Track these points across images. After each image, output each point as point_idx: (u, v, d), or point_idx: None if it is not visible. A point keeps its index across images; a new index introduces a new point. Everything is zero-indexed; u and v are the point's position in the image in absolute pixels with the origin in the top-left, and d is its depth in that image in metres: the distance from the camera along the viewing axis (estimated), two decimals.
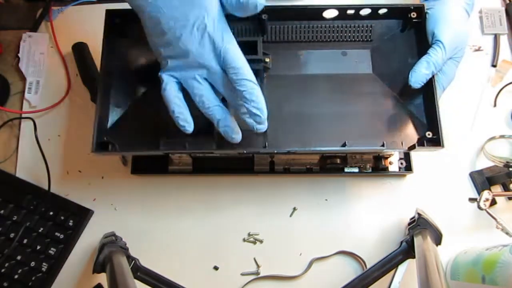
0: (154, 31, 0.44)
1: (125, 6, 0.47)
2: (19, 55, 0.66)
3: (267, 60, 0.49)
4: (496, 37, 0.66)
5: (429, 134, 0.47)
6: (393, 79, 0.52)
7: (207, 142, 0.48)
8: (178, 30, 0.42)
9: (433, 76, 0.49)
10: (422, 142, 0.48)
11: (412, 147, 0.48)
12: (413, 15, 0.52)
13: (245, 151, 0.48)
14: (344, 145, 0.48)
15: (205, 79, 0.44)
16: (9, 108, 0.64)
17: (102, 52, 0.51)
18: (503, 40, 0.66)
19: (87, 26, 0.69)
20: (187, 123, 0.45)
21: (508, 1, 0.68)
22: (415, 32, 0.53)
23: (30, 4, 0.70)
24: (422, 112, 0.51)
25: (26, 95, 0.65)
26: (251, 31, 0.49)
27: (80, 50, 0.65)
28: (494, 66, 0.65)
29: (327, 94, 0.52)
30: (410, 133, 0.50)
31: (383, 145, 0.47)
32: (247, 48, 0.46)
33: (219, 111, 0.44)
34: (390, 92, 0.52)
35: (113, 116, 0.51)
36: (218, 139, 0.48)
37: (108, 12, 0.52)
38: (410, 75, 0.48)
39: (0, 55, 0.67)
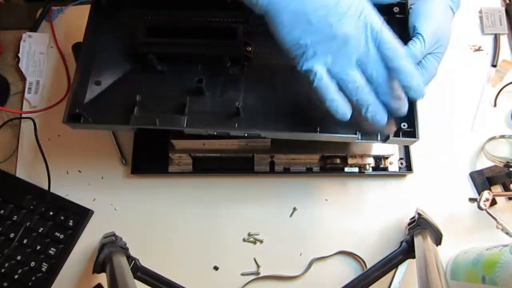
0: (295, 24, 0.42)
1: None
2: (19, 55, 0.66)
3: (249, 48, 0.49)
4: (496, 37, 0.66)
5: (404, 125, 0.47)
6: None
7: (177, 120, 0.48)
8: (331, 17, 0.41)
9: None
10: (397, 133, 0.47)
11: (386, 138, 0.47)
12: (396, 9, 0.51)
13: (215, 132, 0.48)
14: (316, 131, 0.47)
15: (358, 65, 0.43)
16: (9, 108, 0.64)
17: (86, 28, 0.52)
18: (503, 40, 0.66)
19: None
20: (348, 110, 0.43)
21: (508, 1, 0.68)
22: (398, 29, 0.53)
23: (30, 4, 0.70)
24: None
25: (26, 95, 0.65)
26: (233, 19, 0.49)
27: (80, 50, 0.65)
28: (494, 66, 0.65)
29: (307, 85, 0.51)
30: (388, 126, 0.48)
31: (355, 133, 0.47)
32: (228, 35, 0.47)
33: (371, 96, 0.43)
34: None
35: (92, 92, 0.50)
36: (190, 117, 0.48)
37: None
38: None
39: (0, 55, 0.67)
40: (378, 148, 0.57)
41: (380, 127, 0.45)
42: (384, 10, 0.52)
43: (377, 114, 0.44)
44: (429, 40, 0.48)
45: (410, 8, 0.51)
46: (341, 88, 0.43)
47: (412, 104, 0.47)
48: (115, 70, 0.52)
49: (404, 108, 0.44)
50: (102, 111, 0.50)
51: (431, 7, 0.49)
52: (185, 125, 0.48)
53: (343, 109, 0.43)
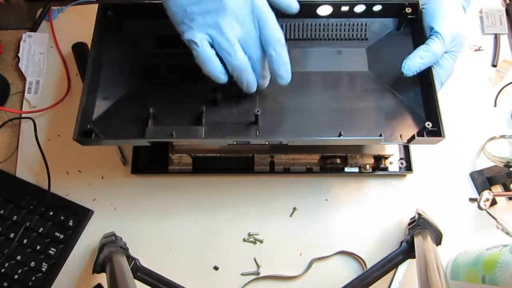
0: None
1: None
2: (19, 55, 0.66)
3: None
4: (496, 37, 0.66)
5: (428, 125, 0.46)
6: (389, 76, 0.52)
7: (195, 131, 0.48)
8: None
9: (430, 68, 0.49)
10: (421, 133, 0.47)
11: (412, 139, 0.47)
12: (408, 10, 0.51)
13: (235, 142, 0.47)
14: (339, 135, 0.47)
15: (237, 39, 0.44)
16: (9, 108, 0.64)
17: (92, 44, 0.51)
18: (504, 40, 0.66)
19: (87, 26, 0.68)
20: (223, 74, 0.45)
21: (508, 1, 0.68)
22: (410, 30, 0.53)
23: (30, 4, 0.70)
24: (421, 106, 0.50)
25: (26, 95, 0.65)
26: None
27: (80, 50, 0.65)
28: (494, 66, 0.65)
29: (323, 91, 0.52)
30: (409, 126, 0.49)
31: (380, 135, 0.46)
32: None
33: (248, 72, 0.45)
34: (387, 89, 0.52)
35: (100, 107, 0.50)
36: (207, 127, 0.48)
37: (102, 5, 0.52)
38: (403, 63, 0.48)
39: (0, 55, 0.67)
40: (378, 148, 0.57)
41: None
42: (394, 11, 0.52)
43: (250, 86, 0.46)
44: (447, 39, 0.48)
45: (423, 8, 0.51)
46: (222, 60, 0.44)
47: (435, 102, 0.47)
48: (123, 83, 0.51)
49: (264, 85, 0.48)
50: (113, 126, 0.49)
51: (444, 6, 0.50)
52: (203, 136, 0.47)
53: (222, 78, 0.45)
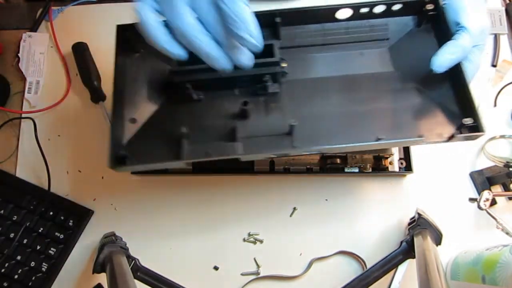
0: None
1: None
2: (19, 55, 0.66)
3: (284, 65, 0.48)
4: (496, 37, 0.66)
5: (466, 121, 0.44)
6: (415, 74, 0.50)
7: (231, 147, 0.46)
8: None
9: (460, 63, 0.47)
10: (460, 130, 0.45)
11: (451, 137, 0.45)
12: (429, 7, 0.50)
13: (273, 155, 0.46)
14: (377, 139, 0.45)
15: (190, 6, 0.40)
16: (9, 108, 0.64)
17: (115, 66, 0.50)
18: (503, 40, 0.66)
19: (87, 26, 0.69)
20: (181, 49, 0.41)
21: (508, 1, 0.68)
22: (431, 26, 0.51)
23: (30, 4, 0.70)
24: (453, 102, 0.48)
25: (26, 95, 0.65)
26: (265, 37, 0.45)
27: (80, 50, 0.65)
28: (494, 66, 0.65)
29: (349, 94, 0.50)
30: (443, 124, 0.47)
31: (420, 136, 0.45)
32: (262, 54, 0.44)
33: (203, 40, 0.40)
34: (415, 87, 0.50)
35: (129, 131, 0.48)
36: (243, 143, 0.46)
37: (119, 27, 0.51)
38: (432, 60, 0.46)
39: (0, 55, 0.67)
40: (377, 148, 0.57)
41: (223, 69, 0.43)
42: (414, 9, 0.51)
43: (212, 59, 0.41)
44: (475, 33, 0.47)
45: (444, 4, 0.50)
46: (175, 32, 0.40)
47: (470, 97, 0.46)
48: (149, 104, 0.49)
49: (242, 59, 0.42)
50: (144, 149, 0.47)
51: (467, 0, 0.48)
52: (241, 152, 0.46)
53: (176, 51, 0.41)
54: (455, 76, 0.48)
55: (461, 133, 0.45)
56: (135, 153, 0.46)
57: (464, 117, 0.45)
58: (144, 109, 0.50)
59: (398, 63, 0.52)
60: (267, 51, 0.47)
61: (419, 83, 0.50)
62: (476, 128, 0.45)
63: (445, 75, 0.47)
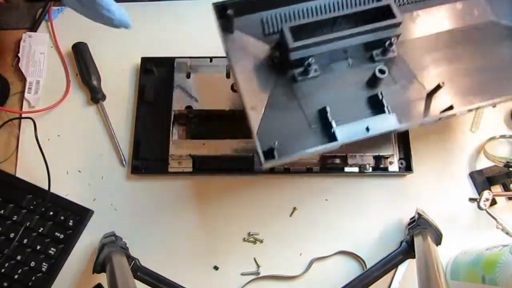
0: None
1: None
2: (19, 55, 0.66)
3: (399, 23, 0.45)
4: None
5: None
6: None
7: (387, 119, 0.43)
8: None
9: None
10: None
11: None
12: None
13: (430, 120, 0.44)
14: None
15: None
16: (9, 108, 0.64)
17: (225, 51, 0.45)
18: None
19: (87, 26, 0.68)
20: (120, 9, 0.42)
21: None
22: None
23: (30, 4, 0.70)
24: None
25: (26, 95, 0.65)
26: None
27: (80, 50, 0.65)
28: None
29: (458, 50, 0.47)
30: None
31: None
32: (379, 15, 0.42)
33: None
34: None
35: (255, 120, 0.44)
36: (393, 112, 0.44)
37: (216, 7, 0.44)
38: None
39: (0, 55, 0.67)
40: (378, 148, 0.57)
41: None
42: None
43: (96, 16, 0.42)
44: None
45: None
46: None
47: None
48: (262, 91, 0.46)
49: (110, 18, 0.43)
50: (282, 135, 0.43)
51: None
52: (399, 123, 0.43)
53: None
54: None
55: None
56: (278, 143, 0.42)
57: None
58: (260, 97, 0.45)
59: (497, 9, 0.48)
60: (380, 12, 0.44)
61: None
62: None
63: None
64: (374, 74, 0.44)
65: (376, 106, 0.44)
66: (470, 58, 0.47)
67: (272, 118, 0.45)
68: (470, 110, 0.44)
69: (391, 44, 0.46)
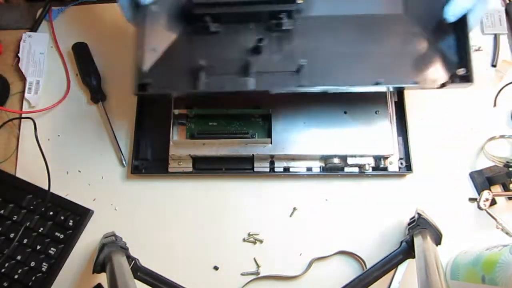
0: None
1: None
2: (19, 55, 0.66)
3: (300, 1, 0.49)
4: (496, 37, 0.66)
5: (460, 71, 0.48)
6: (424, 19, 0.51)
7: (244, 82, 0.49)
8: None
9: (465, 14, 0.48)
10: (453, 79, 0.48)
11: (443, 85, 0.48)
12: None
13: (283, 91, 0.48)
14: (376, 83, 0.48)
15: None
16: (9, 108, 0.64)
17: None
18: (503, 40, 0.66)
19: (87, 26, 0.69)
20: None
21: (508, 1, 0.68)
22: None
23: (30, 4, 0.70)
24: (451, 52, 0.50)
25: (26, 95, 0.65)
26: None
27: (80, 50, 0.65)
28: (494, 66, 0.65)
29: (358, 35, 0.51)
30: (437, 72, 0.49)
31: (416, 83, 0.48)
32: None
33: None
34: (420, 32, 0.51)
35: (150, 60, 0.50)
36: (255, 78, 0.49)
37: None
38: (446, 9, 0.47)
39: (0, 55, 0.67)
40: (378, 148, 0.57)
41: None
42: None
43: None
44: None
45: None
46: None
47: (468, 47, 0.48)
48: (168, 34, 0.51)
49: None
50: (164, 77, 0.50)
51: None
52: (253, 87, 0.48)
53: None
54: (459, 27, 0.49)
55: (452, 82, 0.48)
56: (157, 81, 0.49)
57: (460, 66, 0.48)
58: (164, 39, 0.51)
59: (408, 6, 0.52)
60: None
61: (426, 30, 0.51)
62: (467, 78, 0.48)
63: (449, 25, 0.49)
64: (256, 41, 0.49)
65: (246, 69, 0.49)
66: (364, 44, 0.51)
67: (166, 61, 0.50)
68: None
69: (289, 17, 0.50)
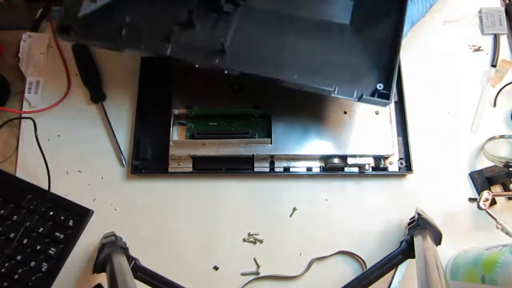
0: None
1: None
2: (19, 55, 0.66)
3: None
4: (496, 37, 0.66)
5: (380, 86, 0.49)
6: (367, 33, 0.52)
7: (162, 47, 0.49)
8: None
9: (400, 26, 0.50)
10: (373, 93, 0.49)
11: (361, 97, 0.48)
12: None
13: (197, 65, 0.49)
14: (293, 78, 0.49)
15: None
16: (9, 108, 0.64)
17: None
18: (503, 40, 0.66)
19: None
20: None
21: (508, 1, 0.68)
22: None
23: (30, 4, 0.70)
24: (378, 67, 0.50)
25: (26, 95, 0.65)
26: None
27: (80, 50, 0.65)
28: (494, 66, 0.65)
29: (293, 33, 0.52)
30: (360, 84, 0.50)
31: (333, 90, 0.49)
32: None
33: None
34: (358, 43, 0.52)
35: (86, 8, 0.51)
36: (175, 46, 0.49)
37: None
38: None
39: (0, 55, 0.67)
40: (378, 148, 0.57)
41: None
42: None
43: None
44: None
45: None
46: None
47: (394, 64, 0.49)
48: None
49: None
50: (93, 28, 0.50)
51: None
52: (168, 53, 0.49)
53: None
54: (393, 39, 0.50)
55: (371, 96, 0.49)
56: (84, 29, 0.50)
57: (380, 82, 0.49)
58: None
59: (356, 17, 0.54)
60: None
61: (365, 42, 0.52)
62: (386, 96, 0.48)
63: (387, 41, 0.50)
64: (186, 13, 0.50)
65: (168, 37, 0.50)
66: (299, 44, 0.52)
67: (103, 12, 0.51)
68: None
69: (232, 2, 0.51)
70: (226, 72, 0.49)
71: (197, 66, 0.49)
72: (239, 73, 0.49)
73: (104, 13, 0.51)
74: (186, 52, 0.49)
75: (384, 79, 0.49)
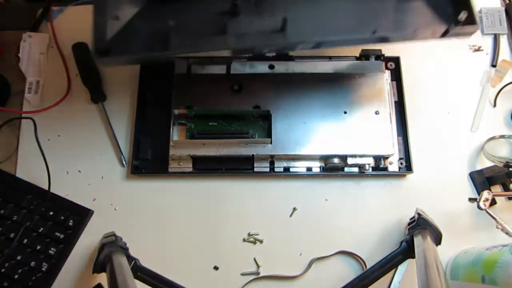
0: None
1: None
2: (19, 55, 0.66)
3: None
4: (496, 37, 0.66)
5: (462, 15, 0.45)
6: None
7: (221, 39, 0.46)
8: None
9: None
10: (455, 25, 0.46)
11: (446, 33, 0.46)
12: None
13: (266, 50, 0.47)
14: (374, 32, 0.46)
15: None
16: (9, 108, 0.64)
17: None
18: (503, 40, 0.66)
19: (87, 26, 0.68)
20: None
21: (508, 1, 0.68)
22: None
23: (30, 4, 0.70)
24: (448, 4, 0.48)
25: (26, 95, 0.65)
26: None
27: (80, 50, 0.65)
28: (494, 66, 0.65)
29: None
30: (436, 23, 0.47)
31: (415, 31, 0.45)
32: None
33: None
34: None
35: (112, 29, 0.48)
36: (233, 37, 0.46)
37: None
38: None
39: (0, 55, 0.67)
40: (378, 148, 0.57)
41: None
42: None
43: None
44: None
45: None
46: None
47: None
48: (132, 1, 0.49)
49: None
50: (129, 44, 0.47)
51: None
52: (233, 45, 0.46)
53: None
54: None
55: (456, 25, 0.45)
56: (121, 47, 0.46)
57: (458, 14, 0.45)
58: (127, 7, 0.49)
59: None
60: None
61: None
62: (471, 20, 0.45)
63: None
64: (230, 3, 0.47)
65: (223, 30, 0.47)
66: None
67: (131, 29, 0.48)
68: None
69: None
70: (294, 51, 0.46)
71: (264, 52, 0.46)
72: (314, 44, 0.46)
73: (135, 26, 0.48)
74: (250, 40, 0.46)
75: (460, 4, 0.46)
